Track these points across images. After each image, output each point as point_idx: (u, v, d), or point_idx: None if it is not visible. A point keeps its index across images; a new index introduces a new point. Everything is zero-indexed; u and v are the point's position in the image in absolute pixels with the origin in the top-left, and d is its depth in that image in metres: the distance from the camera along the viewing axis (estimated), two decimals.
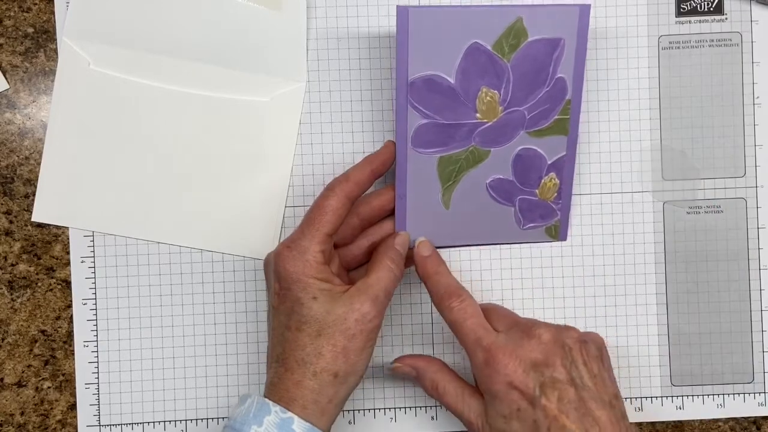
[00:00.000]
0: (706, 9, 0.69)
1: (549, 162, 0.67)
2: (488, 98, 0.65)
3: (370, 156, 0.65)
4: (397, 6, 0.62)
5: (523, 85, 0.65)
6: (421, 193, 0.67)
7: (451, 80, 0.64)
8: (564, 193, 0.68)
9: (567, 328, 0.63)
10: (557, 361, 0.60)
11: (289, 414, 0.57)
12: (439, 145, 0.66)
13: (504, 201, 0.68)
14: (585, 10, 0.64)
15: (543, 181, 0.68)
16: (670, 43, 0.69)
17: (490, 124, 0.66)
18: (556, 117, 0.66)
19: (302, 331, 0.59)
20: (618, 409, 0.61)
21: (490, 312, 0.65)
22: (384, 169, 0.65)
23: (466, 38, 0.63)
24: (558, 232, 0.69)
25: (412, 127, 0.65)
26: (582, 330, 0.65)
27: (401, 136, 0.65)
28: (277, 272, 0.60)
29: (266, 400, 0.58)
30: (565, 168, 0.68)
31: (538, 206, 0.69)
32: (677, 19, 0.69)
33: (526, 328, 0.62)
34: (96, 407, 0.69)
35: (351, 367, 0.59)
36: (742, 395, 0.70)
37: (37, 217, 0.68)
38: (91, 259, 0.69)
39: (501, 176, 0.67)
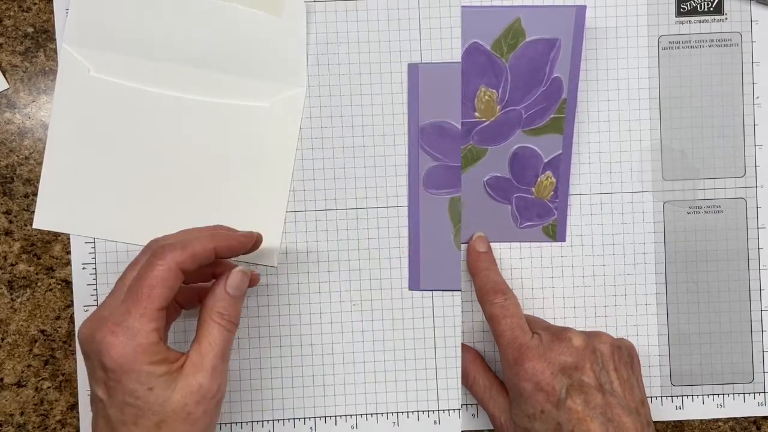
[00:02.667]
0: (706, 9, 0.69)
1: (545, 160, 0.68)
2: (486, 97, 0.67)
3: (221, 232, 0.58)
4: (408, 64, 0.68)
5: (521, 85, 0.67)
6: (433, 233, 0.69)
7: (458, 126, 0.68)
8: (560, 192, 0.69)
9: (598, 334, 0.63)
10: (587, 365, 0.60)
11: None
12: (449, 186, 0.69)
13: (501, 199, 0.69)
14: (581, 11, 0.67)
15: (539, 179, 0.69)
16: (670, 43, 0.69)
17: (488, 122, 0.68)
18: (552, 116, 0.68)
19: (139, 425, 0.52)
20: (644, 416, 0.61)
21: (528, 319, 0.65)
22: (230, 253, 0.58)
23: (466, 38, 0.67)
24: (555, 232, 0.70)
25: (423, 170, 0.68)
26: (584, 330, 0.65)
27: (413, 178, 0.68)
28: (101, 361, 0.52)
29: None
30: (561, 167, 0.69)
31: (535, 205, 0.69)
32: (677, 19, 0.69)
33: (558, 332, 0.62)
34: None
35: None
36: (742, 395, 0.70)
37: (38, 224, 0.68)
38: (93, 266, 0.69)
39: (498, 174, 0.69)
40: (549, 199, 0.69)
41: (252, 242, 0.60)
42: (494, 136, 0.68)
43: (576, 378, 0.59)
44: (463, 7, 0.68)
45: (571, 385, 0.59)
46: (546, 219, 0.69)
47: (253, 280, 0.62)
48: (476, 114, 0.68)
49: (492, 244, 0.70)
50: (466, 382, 0.67)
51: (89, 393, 0.57)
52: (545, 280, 0.70)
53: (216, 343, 0.55)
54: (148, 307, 0.52)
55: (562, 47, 0.67)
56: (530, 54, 0.67)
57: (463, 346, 0.69)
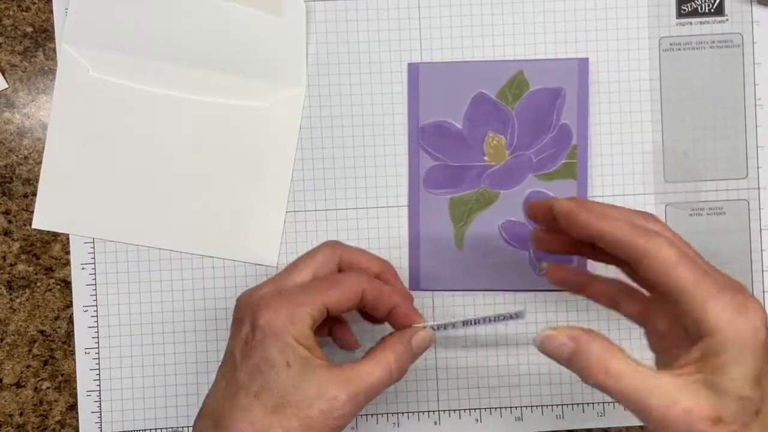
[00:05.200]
0: (706, 10, 0.69)
1: None
2: (495, 142, 0.68)
3: (403, 302, 0.56)
4: (408, 63, 0.69)
5: (528, 131, 0.68)
6: (433, 233, 0.69)
7: (459, 126, 0.68)
8: None
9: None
10: None
11: None
12: (450, 186, 0.69)
13: (517, 245, 0.69)
14: (583, 63, 0.68)
15: None
16: (671, 44, 0.69)
17: (498, 166, 0.69)
18: (564, 161, 0.68)
19: (259, 399, 0.50)
20: None
21: None
22: (397, 325, 0.57)
23: (472, 88, 0.68)
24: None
25: (423, 169, 0.68)
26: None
27: (413, 178, 0.69)
28: (255, 317, 0.51)
29: None
30: None
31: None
32: (678, 20, 0.69)
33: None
34: (98, 414, 0.69)
35: None
36: None
37: (37, 224, 0.68)
38: (92, 266, 0.69)
39: (513, 219, 0.69)
40: None
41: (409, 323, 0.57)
42: (506, 180, 0.69)
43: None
44: (466, 62, 0.69)
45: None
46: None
47: (427, 344, 0.57)
48: (485, 158, 0.69)
49: (510, 294, 0.69)
50: (604, 376, 0.47)
51: (222, 359, 0.55)
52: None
53: (374, 379, 0.52)
54: (320, 297, 0.52)
55: (567, 95, 0.68)
56: (535, 102, 0.68)
57: (586, 329, 0.49)
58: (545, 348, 0.50)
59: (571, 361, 0.49)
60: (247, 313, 0.52)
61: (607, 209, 0.51)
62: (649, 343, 0.54)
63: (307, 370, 0.50)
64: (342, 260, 0.57)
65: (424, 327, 0.56)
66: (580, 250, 0.57)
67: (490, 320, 0.57)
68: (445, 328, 0.57)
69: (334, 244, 0.58)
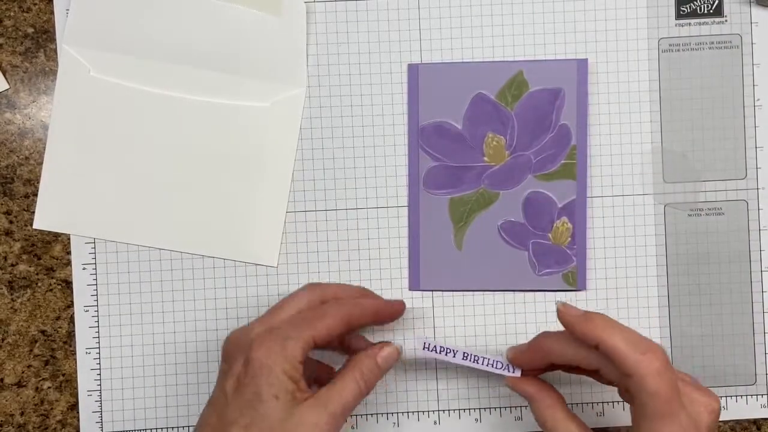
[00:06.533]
0: (705, 11, 0.69)
1: (559, 206, 0.69)
2: (494, 143, 0.69)
3: (385, 302, 0.65)
4: (408, 64, 0.69)
5: (528, 132, 0.69)
6: (433, 233, 0.69)
7: (459, 126, 0.68)
8: (578, 239, 0.69)
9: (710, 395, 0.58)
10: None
11: None
12: (449, 186, 0.69)
13: (516, 244, 0.69)
14: (582, 64, 0.68)
15: (555, 225, 0.69)
16: (670, 45, 0.69)
17: (497, 167, 0.69)
18: (563, 161, 0.69)
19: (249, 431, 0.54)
20: None
21: None
22: (388, 320, 0.64)
23: (471, 89, 0.69)
24: (576, 279, 0.69)
25: (423, 170, 0.68)
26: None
27: (413, 178, 0.69)
28: (248, 354, 0.55)
29: None
30: (576, 213, 0.69)
31: (552, 251, 0.69)
32: (677, 21, 0.69)
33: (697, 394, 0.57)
34: (99, 414, 0.69)
35: None
36: (744, 397, 0.70)
37: (38, 224, 0.68)
38: (93, 266, 0.69)
39: (512, 219, 0.69)
40: (566, 245, 0.69)
41: (400, 313, 0.64)
42: (505, 180, 0.69)
43: None
44: (466, 62, 0.69)
45: None
46: (565, 266, 0.69)
47: (394, 359, 0.63)
48: (485, 159, 0.69)
49: (510, 294, 0.70)
50: (544, 427, 0.60)
51: (212, 394, 0.58)
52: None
53: (345, 396, 0.57)
54: (308, 331, 0.56)
55: (567, 96, 0.68)
56: (535, 103, 0.68)
57: (540, 385, 0.62)
58: (514, 388, 0.62)
59: (529, 403, 0.61)
60: (239, 351, 0.57)
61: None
62: (621, 396, 0.60)
63: (293, 402, 0.55)
64: (324, 297, 0.62)
65: (394, 344, 0.62)
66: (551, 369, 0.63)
67: (483, 362, 0.63)
68: (438, 352, 0.63)
69: (314, 285, 0.64)
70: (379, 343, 0.62)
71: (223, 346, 0.59)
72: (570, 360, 0.59)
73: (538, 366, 0.62)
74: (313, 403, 0.55)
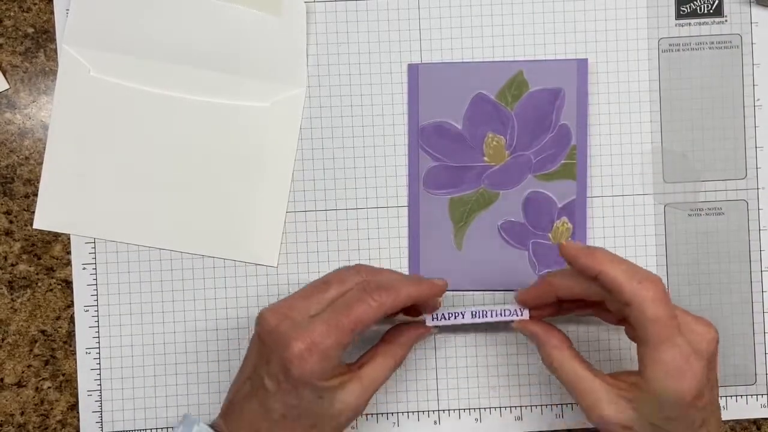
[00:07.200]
0: (705, 11, 0.69)
1: (559, 206, 0.69)
2: (495, 143, 0.69)
3: (422, 282, 0.62)
4: (408, 64, 0.69)
5: (528, 131, 0.69)
6: (433, 233, 0.69)
7: (459, 126, 0.68)
8: (578, 238, 0.69)
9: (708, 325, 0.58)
10: (717, 360, 0.58)
11: None
12: (449, 186, 0.69)
13: (517, 244, 0.69)
14: (582, 64, 0.69)
15: (555, 224, 0.69)
16: (670, 45, 0.69)
17: (497, 167, 0.69)
18: (563, 161, 0.69)
19: (298, 422, 0.57)
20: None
21: None
22: (426, 300, 0.62)
23: (472, 89, 0.69)
24: None
25: (423, 170, 0.69)
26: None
27: (413, 178, 0.69)
28: (286, 367, 0.55)
29: None
30: (576, 213, 0.69)
31: (552, 251, 0.69)
32: (677, 21, 0.69)
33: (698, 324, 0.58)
34: (98, 414, 0.69)
35: None
36: (744, 397, 0.70)
37: (38, 224, 0.68)
38: (93, 266, 0.69)
39: (512, 219, 0.69)
40: None
41: (443, 291, 0.63)
42: (505, 180, 0.69)
43: (711, 377, 0.57)
44: (466, 62, 0.69)
45: (710, 386, 0.57)
46: (565, 266, 0.69)
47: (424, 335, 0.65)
48: (485, 159, 0.69)
49: (510, 294, 0.69)
50: (550, 367, 0.61)
51: (248, 374, 0.59)
52: None
53: (382, 373, 0.60)
54: (348, 338, 0.56)
55: (567, 96, 0.68)
56: (535, 103, 0.69)
57: (546, 327, 0.62)
58: (522, 330, 0.63)
59: (537, 345, 0.62)
60: (277, 351, 0.56)
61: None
62: (627, 334, 0.62)
63: (336, 393, 0.57)
64: (368, 280, 0.61)
65: (425, 323, 0.64)
66: (553, 309, 0.65)
67: (492, 314, 0.64)
68: (447, 318, 0.65)
69: (358, 267, 0.62)
70: (409, 323, 0.64)
71: (264, 328, 0.57)
72: (575, 293, 0.60)
73: (545, 302, 0.63)
74: (354, 386, 0.58)
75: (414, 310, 0.64)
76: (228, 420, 0.59)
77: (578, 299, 0.61)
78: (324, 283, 0.60)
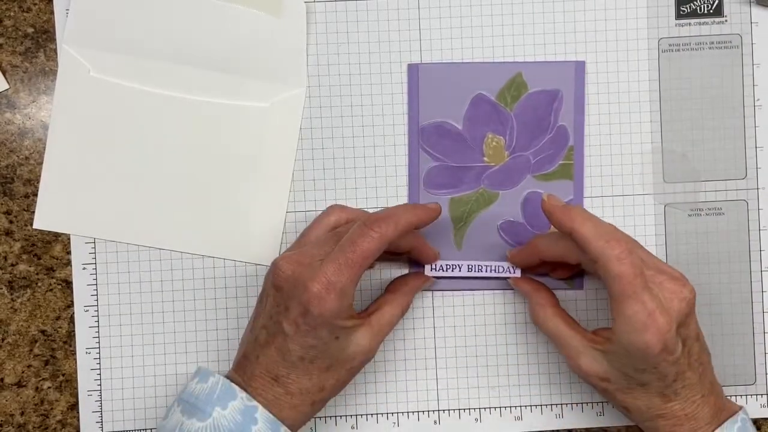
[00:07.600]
0: (705, 11, 0.69)
1: None
2: (494, 143, 0.69)
3: (417, 206, 0.64)
4: (408, 64, 0.69)
5: (527, 132, 0.69)
6: (434, 233, 0.69)
7: (459, 126, 0.69)
8: None
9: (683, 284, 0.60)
10: (693, 318, 0.60)
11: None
12: (450, 186, 0.69)
13: (516, 244, 0.70)
14: (580, 66, 0.69)
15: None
16: (670, 45, 0.69)
17: (497, 167, 0.69)
18: (561, 162, 0.69)
19: (314, 364, 0.60)
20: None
21: None
22: (421, 226, 0.64)
23: (471, 89, 0.69)
24: (573, 280, 0.70)
25: (423, 170, 0.69)
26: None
27: (413, 178, 0.69)
28: (306, 308, 0.58)
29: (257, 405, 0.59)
30: None
31: None
32: (677, 21, 0.69)
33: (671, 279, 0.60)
34: (99, 414, 0.69)
35: (340, 391, 0.63)
36: (744, 397, 0.70)
37: (38, 224, 0.68)
38: (93, 266, 0.69)
39: (512, 219, 0.69)
40: None
41: (437, 214, 0.64)
42: (504, 181, 0.69)
43: (684, 334, 0.59)
44: (466, 63, 0.69)
45: (685, 341, 0.59)
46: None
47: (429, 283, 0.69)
48: (485, 159, 0.69)
49: (510, 294, 0.70)
50: (536, 321, 0.65)
51: (263, 323, 0.61)
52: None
53: (391, 319, 0.64)
54: (358, 273, 0.58)
55: (565, 98, 0.69)
56: (534, 104, 0.69)
57: (534, 285, 0.67)
58: (514, 286, 0.69)
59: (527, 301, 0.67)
60: (295, 296, 0.58)
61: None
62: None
63: (350, 335, 0.60)
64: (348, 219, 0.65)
65: (428, 275, 0.69)
66: (542, 269, 0.69)
67: (486, 269, 0.69)
68: (445, 270, 0.69)
69: (339, 207, 0.66)
70: (417, 273, 0.69)
71: (280, 276, 0.60)
72: (556, 254, 0.64)
73: (532, 263, 0.68)
74: (367, 330, 0.61)
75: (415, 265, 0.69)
76: (242, 372, 0.61)
77: (560, 261, 0.65)
78: (311, 229, 0.64)
